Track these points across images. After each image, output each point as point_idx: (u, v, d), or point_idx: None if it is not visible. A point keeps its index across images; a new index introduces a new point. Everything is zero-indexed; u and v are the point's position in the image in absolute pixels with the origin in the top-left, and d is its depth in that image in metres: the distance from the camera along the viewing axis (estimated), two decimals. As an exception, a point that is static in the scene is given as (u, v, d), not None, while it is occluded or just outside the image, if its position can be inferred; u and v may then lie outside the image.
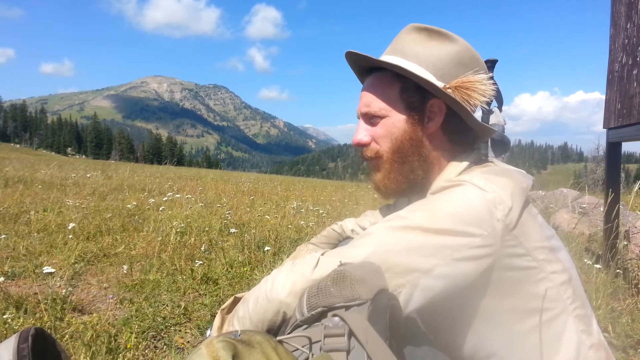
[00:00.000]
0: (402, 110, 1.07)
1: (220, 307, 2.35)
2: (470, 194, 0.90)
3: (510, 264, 0.90)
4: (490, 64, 1.14)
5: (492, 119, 1.16)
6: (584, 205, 5.12)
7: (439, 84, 1.02)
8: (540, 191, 7.04)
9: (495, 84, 1.18)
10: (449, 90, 1.02)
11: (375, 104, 1.09)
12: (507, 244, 0.89)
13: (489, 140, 1.17)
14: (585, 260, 3.10)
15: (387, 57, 1.09)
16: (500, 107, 1.27)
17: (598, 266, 2.86)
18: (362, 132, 1.12)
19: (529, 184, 0.99)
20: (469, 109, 1.02)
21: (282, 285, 0.94)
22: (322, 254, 0.98)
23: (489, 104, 1.22)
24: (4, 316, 1.94)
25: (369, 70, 1.15)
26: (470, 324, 0.95)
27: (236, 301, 1.07)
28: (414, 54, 1.06)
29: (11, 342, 0.93)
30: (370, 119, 1.11)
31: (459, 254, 0.86)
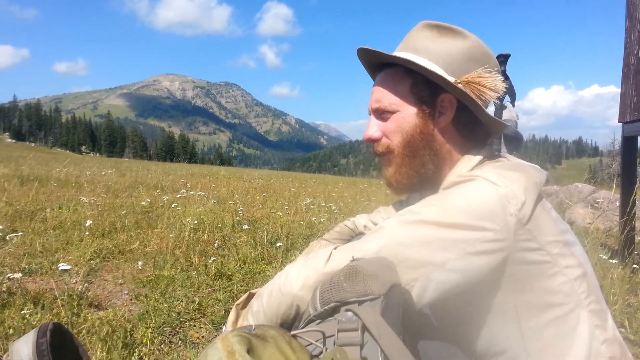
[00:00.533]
0: (412, 104, 1.07)
1: (234, 302, 2.37)
2: (483, 189, 0.90)
3: (523, 258, 0.90)
4: (503, 59, 1.14)
5: (505, 114, 1.15)
6: (600, 200, 5.06)
7: (450, 79, 1.02)
8: (555, 186, 6.97)
9: (507, 78, 1.17)
10: (460, 85, 1.02)
11: (386, 99, 1.09)
12: (520, 238, 0.88)
13: (502, 135, 1.17)
14: (601, 255, 3.07)
15: (398, 53, 1.09)
16: (513, 102, 1.26)
17: (614, 261, 2.83)
18: (373, 128, 1.12)
19: (542, 179, 0.98)
20: (480, 103, 1.02)
21: (296, 279, 0.95)
22: (335, 248, 0.99)
23: (501, 99, 1.21)
24: (22, 312, 1.97)
25: (381, 67, 1.15)
26: (483, 319, 0.95)
27: (251, 297, 1.08)
28: (425, 49, 1.06)
29: (30, 337, 0.95)
30: (381, 114, 1.11)
31: (472, 248, 0.86)
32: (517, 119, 1.40)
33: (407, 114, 1.07)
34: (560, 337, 0.93)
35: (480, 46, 1.06)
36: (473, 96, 1.01)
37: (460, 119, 1.07)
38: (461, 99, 1.04)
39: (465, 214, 0.88)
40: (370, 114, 1.15)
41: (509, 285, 0.91)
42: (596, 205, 4.95)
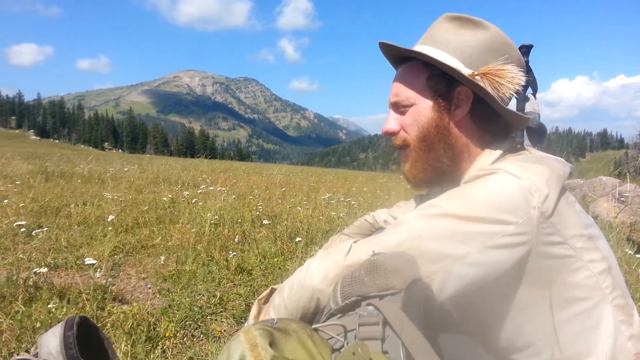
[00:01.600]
0: (428, 97, 1.07)
1: (254, 297, 2.39)
2: (505, 182, 0.89)
3: (546, 252, 0.88)
4: (526, 50, 1.11)
5: (528, 107, 1.12)
6: (625, 194, 4.95)
7: (467, 71, 1.01)
8: (579, 179, 6.84)
9: (530, 70, 1.15)
10: (477, 77, 1.01)
11: (403, 92, 1.09)
12: (544, 232, 0.87)
13: (525, 128, 1.15)
14: (627, 250, 3.00)
15: (418, 47, 1.09)
16: (535, 94, 1.23)
17: (640, 256, 2.77)
18: (392, 121, 1.13)
19: (566, 171, 0.96)
20: (496, 95, 1.01)
21: (316, 272, 0.96)
22: (355, 242, 0.99)
23: (520, 92, 1.19)
24: (48, 306, 2.02)
25: (402, 60, 1.15)
26: (506, 314, 0.94)
27: (273, 292, 1.10)
28: (444, 41, 1.05)
29: (58, 330, 0.97)
30: (399, 108, 1.11)
31: (493, 242, 0.85)
32: (540, 111, 1.37)
33: (423, 107, 1.07)
34: (585, 332, 0.91)
35: (500, 36, 1.04)
36: (490, 88, 1.00)
37: (477, 112, 1.05)
38: (477, 92, 1.03)
39: (486, 206, 0.87)
40: (390, 108, 1.16)
41: (532, 279, 0.90)
42: (621, 199, 4.85)
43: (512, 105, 1.05)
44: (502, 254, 0.86)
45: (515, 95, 1.04)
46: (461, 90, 1.04)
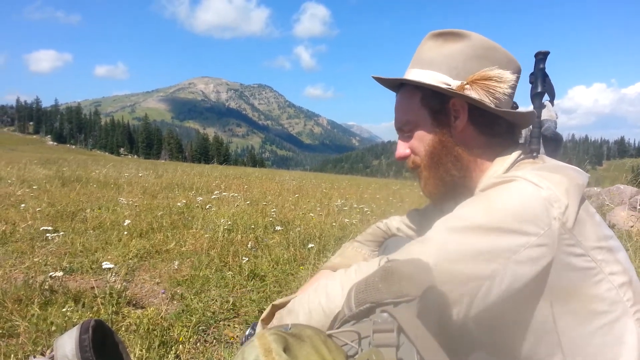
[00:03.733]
0: (426, 117, 1.10)
1: (267, 302, 2.39)
2: (526, 191, 0.88)
3: (568, 264, 0.86)
4: (542, 56, 1.09)
5: (545, 114, 1.11)
6: (643, 202, 4.87)
7: (455, 83, 1.04)
8: (595, 188, 6.75)
9: (546, 76, 1.15)
10: (467, 86, 1.03)
11: (403, 117, 1.14)
12: (565, 243, 0.85)
13: (541, 136, 1.14)
14: (645, 260, 2.95)
15: (408, 72, 1.14)
16: (552, 101, 1.21)
17: (659, 267, 2.72)
18: (401, 146, 1.17)
19: (584, 181, 0.95)
20: (488, 98, 1.02)
21: (340, 298, 0.89)
22: (380, 259, 0.96)
23: (551, 99, 1.18)
24: (64, 309, 2.04)
25: (398, 86, 1.19)
26: (525, 328, 0.92)
27: (274, 309, 1.06)
28: (429, 61, 1.09)
29: (74, 333, 0.98)
30: (404, 132, 1.16)
31: (517, 256, 0.83)
32: (557, 118, 1.36)
33: (424, 127, 1.11)
34: (607, 346, 0.89)
35: (482, 42, 1.06)
36: (482, 93, 1.02)
37: (476, 119, 1.07)
38: (467, 101, 1.05)
39: (510, 216, 0.85)
40: (397, 133, 1.20)
41: (552, 292, 0.88)
42: (639, 207, 4.77)
43: (506, 107, 1.06)
44: (526, 267, 0.84)
45: (509, 90, 1.05)
46: (455, 102, 1.06)
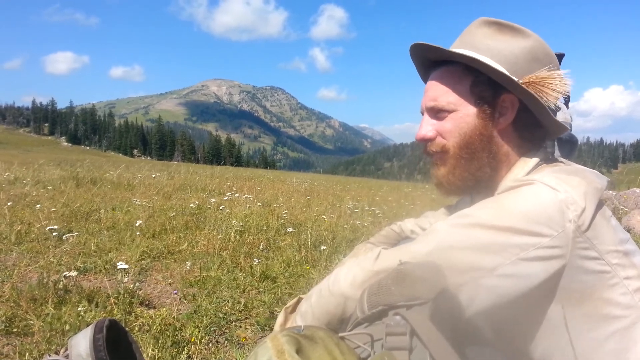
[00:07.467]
0: (472, 104, 1.02)
1: (278, 304, 2.39)
2: (541, 193, 0.86)
3: (582, 267, 0.85)
4: (558, 59, 1.08)
5: (560, 117, 1.09)
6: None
7: (514, 79, 0.98)
8: (611, 191, 6.66)
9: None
10: (523, 85, 0.97)
11: (444, 97, 1.04)
12: (579, 246, 0.84)
13: (556, 139, 1.12)
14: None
15: (460, 51, 1.04)
16: (567, 104, 1.20)
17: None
18: (427, 127, 1.08)
19: (603, 185, 0.93)
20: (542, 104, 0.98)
21: (344, 278, 0.96)
22: (384, 248, 0.99)
23: (566, 101, 1.17)
24: (78, 309, 2.06)
25: (435, 64, 1.11)
26: (539, 330, 0.91)
27: (300, 301, 1.10)
28: (486, 47, 1.02)
29: (88, 332, 0.99)
30: (437, 113, 1.06)
31: (526, 254, 0.83)
32: (572, 121, 1.34)
33: (466, 114, 1.03)
34: (621, 352, 0.88)
35: (543, 46, 1.02)
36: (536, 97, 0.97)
37: (520, 121, 1.02)
38: (524, 100, 0.99)
39: (521, 218, 0.85)
40: (422, 113, 1.11)
41: (566, 295, 0.87)
42: (656, 211, 4.69)
43: (553, 115, 1.02)
44: (536, 266, 0.83)
45: (553, 106, 1.01)
46: (506, 98, 1.01)
